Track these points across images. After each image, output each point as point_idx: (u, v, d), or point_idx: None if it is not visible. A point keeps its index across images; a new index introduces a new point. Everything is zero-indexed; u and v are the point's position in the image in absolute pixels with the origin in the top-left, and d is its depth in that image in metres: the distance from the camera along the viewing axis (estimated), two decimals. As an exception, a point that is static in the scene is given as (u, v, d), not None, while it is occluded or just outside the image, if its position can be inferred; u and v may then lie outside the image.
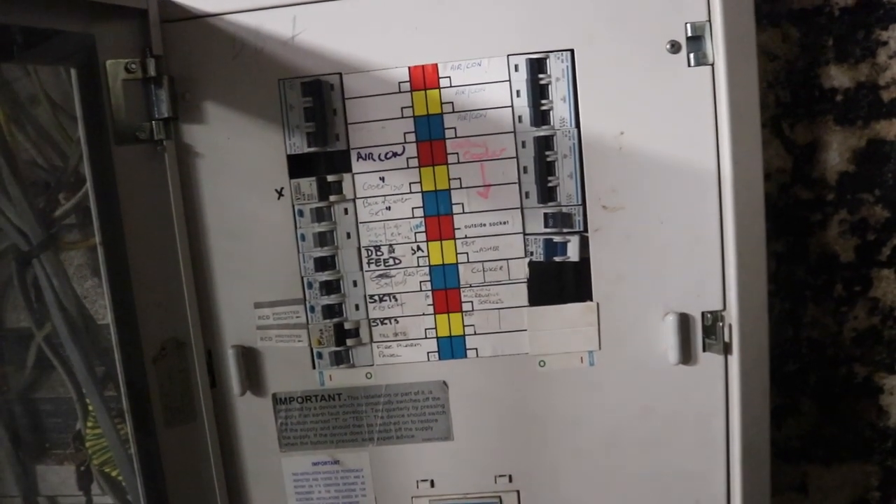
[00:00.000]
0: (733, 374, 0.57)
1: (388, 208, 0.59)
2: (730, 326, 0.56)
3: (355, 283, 0.60)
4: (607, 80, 0.56)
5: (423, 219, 0.58)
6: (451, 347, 0.60)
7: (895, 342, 0.71)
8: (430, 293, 0.59)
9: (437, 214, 0.58)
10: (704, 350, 0.58)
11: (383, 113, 0.57)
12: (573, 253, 0.57)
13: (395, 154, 0.58)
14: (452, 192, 0.58)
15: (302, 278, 0.60)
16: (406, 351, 0.60)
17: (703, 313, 0.57)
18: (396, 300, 0.60)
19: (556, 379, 0.59)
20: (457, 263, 0.59)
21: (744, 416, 0.57)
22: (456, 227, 0.58)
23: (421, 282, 0.59)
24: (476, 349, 0.59)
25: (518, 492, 0.61)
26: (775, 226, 0.69)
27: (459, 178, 0.58)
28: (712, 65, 0.54)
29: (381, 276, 0.59)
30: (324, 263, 0.59)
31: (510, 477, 0.61)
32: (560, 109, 0.56)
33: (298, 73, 0.57)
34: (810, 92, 0.68)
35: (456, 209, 0.58)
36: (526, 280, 0.58)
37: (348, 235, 0.59)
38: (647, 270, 0.57)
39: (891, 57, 0.67)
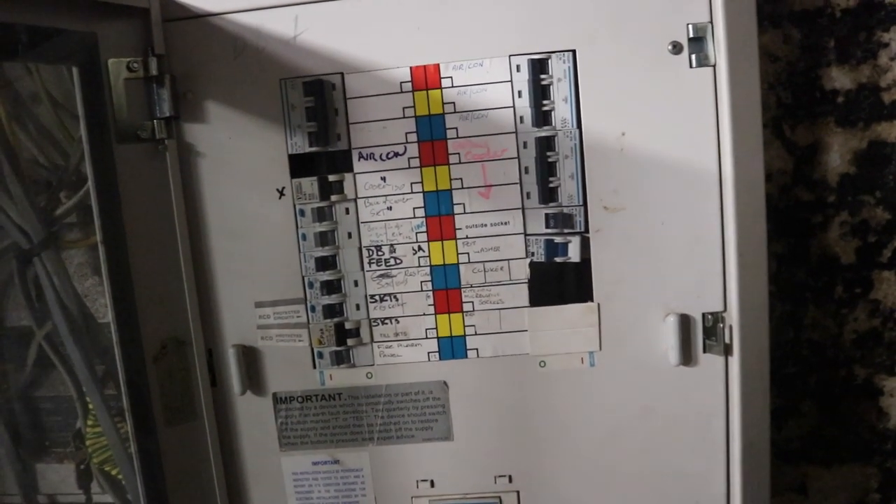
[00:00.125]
0: (734, 375, 0.57)
1: (390, 208, 0.59)
2: (730, 328, 0.56)
3: (356, 283, 0.60)
4: (609, 80, 0.56)
5: (424, 219, 0.58)
6: (452, 347, 0.60)
7: (895, 344, 0.71)
8: (430, 293, 0.59)
9: (439, 214, 0.58)
10: (705, 351, 0.58)
11: (385, 113, 0.57)
12: (574, 253, 0.57)
13: (396, 154, 0.58)
14: (454, 192, 0.58)
15: (303, 278, 0.60)
16: (406, 351, 0.60)
17: (703, 314, 0.57)
18: (397, 300, 0.60)
19: (556, 379, 0.59)
20: (458, 263, 0.59)
21: (744, 417, 0.57)
22: (457, 227, 0.58)
23: (422, 282, 0.59)
24: (476, 349, 0.60)
25: (518, 492, 0.61)
26: (776, 227, 0.69)
27: (461, 179, 0.58)
28: (714, 66, 0.55)
29: (381, 275, 0.59)
30: (325, 263, 0.59)
31: (510, 477, 0.61)
32: (561, 110, 0.56)
33: (300, 72, 0.57)
34: (811, 93, 0.68)
35: (457, 209, 0.58)
36: (527, 280, 0.58)
37: (349, 235, 0.59)
38: (647, 271, 0.57)
39: (892, 59, 0.67)
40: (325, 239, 0.59)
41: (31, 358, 0.77)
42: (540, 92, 0.56)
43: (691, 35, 0.54)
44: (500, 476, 0.61)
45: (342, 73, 0.57)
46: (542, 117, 0.56)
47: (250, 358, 0.61)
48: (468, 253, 0.58)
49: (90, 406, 0.74)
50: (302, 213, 0.59)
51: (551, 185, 0.57)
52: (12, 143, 0.72)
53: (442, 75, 0.57)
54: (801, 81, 0.68)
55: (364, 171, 0.58)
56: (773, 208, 0.68)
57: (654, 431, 0.59)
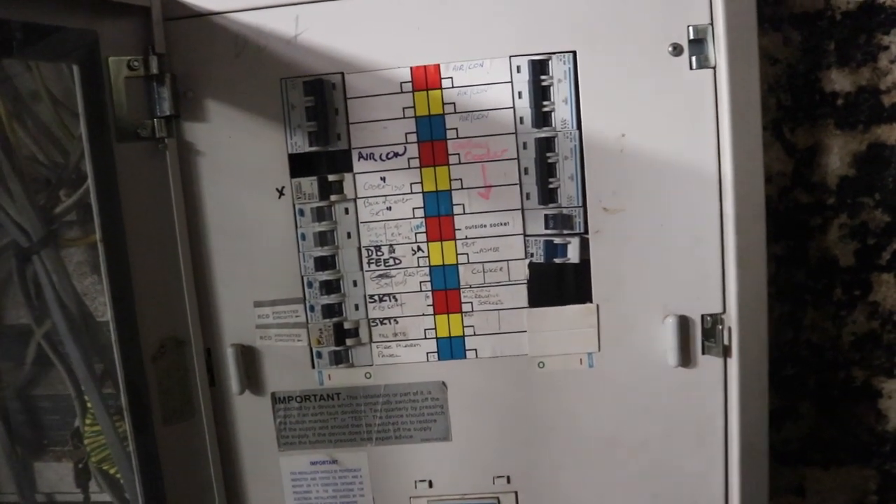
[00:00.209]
0: (732, 376, 0.57)
1: (389, 208, 0.59)
2: (729, 329, 0.56)
3: (355, 283, 0.60)
4: (609, 81, 0.56)
5: (423, 219, 0.58)
6: (451, 348, 0.60)
7: (894, 346, 0.71)
8: (430, 293, 0.59)
9: (438, 215, 0.58)
10: (704, 353, 0.58)
11: (385, 113, 0.57)
12: (573, 254, 0.57)
13: (396, 154, 0.58)
14: (453, 192, 0.58)
15: (302, 277, 0.60)
16: (405, 351, 0.60)
17: (702, 316, 0.57)
18: (396, 300, 0.60)
19: (555, 380, 0.59)
20: (457, 264, 0.59)
21: (742, 418, 0.57)
22: (456, 227, 0.58)
23: (421, 282, 0.59)
24: (475, 350, 0.60)
25: (516, 493, 0.61)
26: (775, 229, 0.69)
27: (460, 179, 0.58)
28: (714, 68, 0.55)
29: (381, 276, 0.59)
30: (324, 263, 0.59)
31: (508, 478, 0.61)
32: (562, 111, 0.56)
33: (300, 72, 0.57)
34: (811, 96, 0.68)
35: (457, 210, 0.58)
36: (526, 281, 0.58)
37: (349, 235, 0.59)
38: (647, 273, 0.57)
39: (892, 61, 0.67)
40: (324, 239, 0.59)
41: (30, 356, 0.77)
42: (540, 93, 0.56)
43: (692, 37, 0.54)
44: (499, 477, 0.61)
45: (342, 73, 0.57)
46: (542, 118, 0.56)
47: (249, 357, 0.61)
48: (467, 253, 0.58)
49: (89, 405, 0.74)
50: (301, 212, 0.59)
51: (551, 186, 0.57)
52: (12, 140, 0.72)
53: (442, 75, 0.57)
54: (801, 84, 0.68)
55: (364, 171, 0.58)
56: (772, 210, 0.68)
57: (652, 433, 0.59)
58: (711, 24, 0.54)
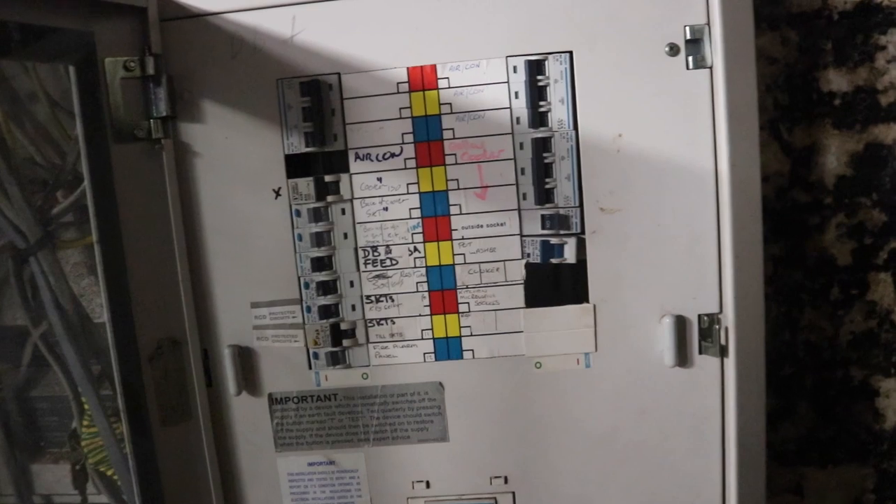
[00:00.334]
0: (729, 376, 0.57)
1: (386, 209, 0.58)
2: (726, 329, 0.56)
3: (352, 284, 0.60)
4: (606, 82, 0.56)
5: (420, 219, 0.58)
6: (448, 348, 0.60)
7: (891, 345, 0.71)
8: (426, 294, 0.59)
9: (435, 215, 0.58)
10: (700, 352, 0.58)
11: (381, 113, 0.57)
12: (570, 255, 0.57)
13: (392, 154, 0.58)
14: (450, 193, 0.58)
15: (299, 278, 0.60)
16: (402, 352, 0.60)
17: (699, 316, 0.57)
18: (393, 301, 0.59)
19: (552, 381, 0.59)
20: (454, 264, 0.59)
21: (739, 418, 0.57)
22: (453, 228, 0.58)
23: (418, 283, 0.59)
24: (472, 350, 0.59)
25: (513, 493, 0.61)
26: (773, 229, 0.69)
27: (457, 179, 0.58)
28: (711, 68, 0.55)
29: (377, 276, 0.59)
30: (320, 264, 0.59)
31: (506, 478, 0.61)
32: (558, 111, 0.56)
33: (297, 72, 0.57)
34: (808, 95, 0.68)
35: (453, 210, 0.58)
36: (523, 281, 0.58)
37: (345, 236, 0.59)
38: (643, 273, 0.57)
39: (889, 61, 0.67)
40: (320, 239, 0.59)
41: (27, 358, 0.77)
42: (536, 93, 0.56)
43: (688, 37, 0.54)
44: (496, 477, 0.61)
45: (339, 74, 0.57)
46: (539, 118, 0.56)
47: (246, 358, 0.61)
48: (464, 254, 0.58)
49: (86, 406, 0.74)
50: (298, 213, 0.59)
51: (547, 187, 0.57)
52: (9, 141, 0.72)
53: (439, 76, 0.57)
54: (799, 83, 0.68)
55: (360, 172, 0.58)
56: (770, 210, 0.68)
57: (649, 433, 0.59)
58: (708, 24, 0.54)
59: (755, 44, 0.54)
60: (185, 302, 0.60)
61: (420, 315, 0.59)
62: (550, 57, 0.56)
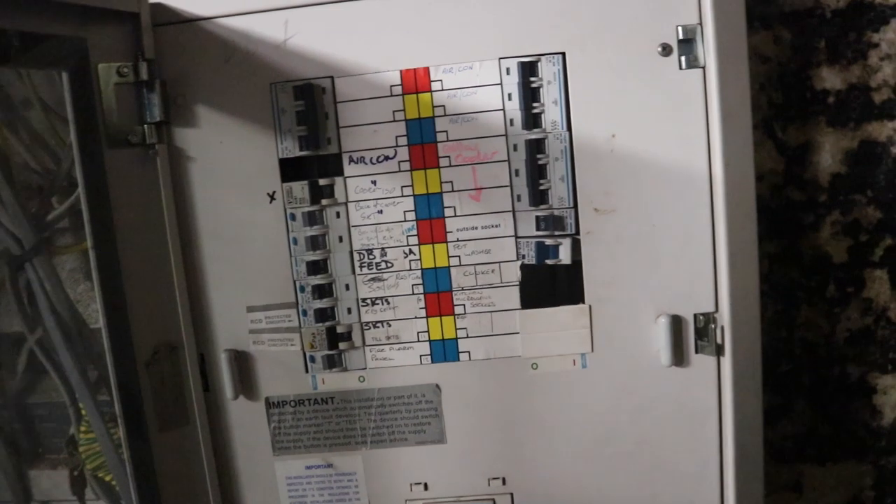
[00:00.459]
0: (726, 375, 0.57)
1: (380, 212, 0.59)
2: (722, 328, 0.56)
3: (347, 287, 0.60)
4: (599, 82, 0.56)
5: (414, 222, 0.58)
6: (444, 350, 0.60)
7: (888, 342, 0.71)
8: (422, 296, 0.59)
9: (429, 218, 0.58)
10: (697, 352, 0.58)
11: (375, 116, 0.57)
12: (565, 256, 0.57)
13: (386, 157, 0.58)
14: (444, 195, 0.58)
15: (294, 282, 0.60)
16: (398, 354, 0.60)
17: (695, 315, 0.57)
18: (389, 303, 0.60)
19: (548, 381, 0.59)
20: (449, 266, 0.59)
21: (736, 417, 0.57)
22: (448, 230, 0.58)
23: (413, 285, 0.59)
24: (468, 352, 0.59)
25: (511, 494, 0.61)
26: (768, 227, 0.70)
27: (451, 182, 0.58)
28: (703, 67, 0.55)
29: (373, 279, 0.59)
30: (316, 267, 0.59)
31: (503, 479, 0.61)
32: (551, 112, 0.56)
33: (290, 76, 0.57)
34: (802, 94, 0.68)
35: (448, 212, 0.58)
36: (518, 283, 0.58)
37: (340, 239, 0.59)
38: (639, 273, 0.57)
39: (882, 59, 0.67)
40: (315, 243, 0.59)
41: (23, 364, 0.77)
42: (530, 94, 0.56)
43: (681, 37, 0.54)
44: (494, 478, 0.61)
45: (332, 77, 0.57)
46: (532, 120, 0.56)
47: (242, 362, 0.61)
48: (459, 256, 0.58)
49: (83, 412, 0.74)
50: (293, 216, 0.59)
51: (542, 188, 0.57)
52: (3, 147, 0.72)
53: (432, 78, 0.57)
54: (792, 82, 0.68)
55: (354, 175, 0.58)
56: (764, 208, 0.68)
57: (646, 432, 0.59)
58: (700, 24, 0.54)
59: (748, 43, 0.54)
60: (181, 307, 0.60)
61: (416, 317, 0.59)
62: (543, 58, 0.56)
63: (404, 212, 0.58)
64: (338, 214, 0.59)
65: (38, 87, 0.72)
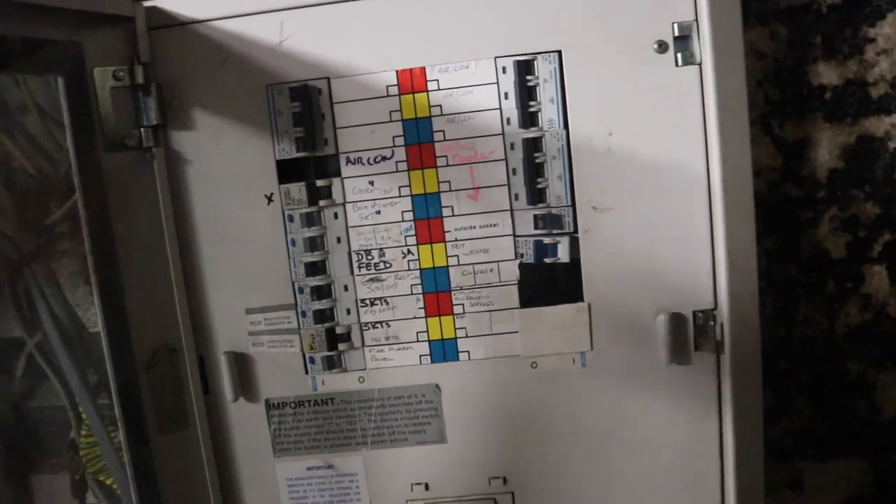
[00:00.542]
0: (725, 372, 0.57)
1: (378, 212, 0.58)
2: (721, 325, 0.56)
3: (346, 288, 0.60)
4: (595, 80, 0.56)
5: (412, 222, 0.58)
6: (443, 350, 0.60)
7: (887, 338, 0.71)
8: (421, 296, 0.59)
9: (427, 217, 0.58)
10: (696, 349, 0.58)
11: (372, 117, 0.57)
12: (563, 254, 0.57)
13: (384, 158, 0.58)
14: (442, 195, 0.58)
15: (293, 283, 0.60)
16: (398, 354, 0.60)
17: (694, 312, 0.57)
18: (388, 304, 0.59)
19: (548, 380, 0.59)
20: (447, 266, 0.59)
21: (736, 414, 0.57)
22: (446, 229, 0.58)
23: (412, 285, 0.59)
24: (468, 352, 0.59)
25: (512, 493, 0.61)
26: (766, 223, 0.70)
27: (449, 181, 0.58)
28: (700, 64, 0.55)
29: (371, 279, 0.59)
30: (314, 268, 0.59)
31: (504, 479, 0.61)
32: (548, 111, 0.56)
33: (286, 78, 0.57)
34: (799, 89, 0.68)
35: (446, 212, 0.58)
36: (517, 282, 0.58)
37: (338, 240, 0.59)
38: (637, 270, 0.57)
39: (878, 54, 0.67)
40: (314, 244, 0.59)
41: (22, 369, 0.77)
42: (526, 93, 0.56)
43: (677, 34, 0.54)
44: (495, 478, 0.61)
45: (328, 78, 0.57)
46: (529, 118, 0.56)
47: (242, 364, 0.61)
48: (457, 255, 0.58)
49: (83, 416, 0.74)
50: (290, 218, 0.59)
51: (539, 187, 0.57)
52: (1, 153, 0.72)
53: (428, 78, 0.57)
54: (789, 78, 0.68)
55: (352, 176, 0.58)
56: (762, 204, 0.68)
57: (646, 430, 0.59)
58: (696, 20, 0.54)
59: (744, 39, 0.54)
60: (180, 309, 0.60)
61: (415, 317, 0.59)
62: (539, 57, 0.56)
63: (402, 212, 0.58)
64: (336, 215, 0.59)
65: (34, 92, 0.72)
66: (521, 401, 0.60)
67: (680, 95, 0.55)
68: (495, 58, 0.56)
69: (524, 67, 0.56)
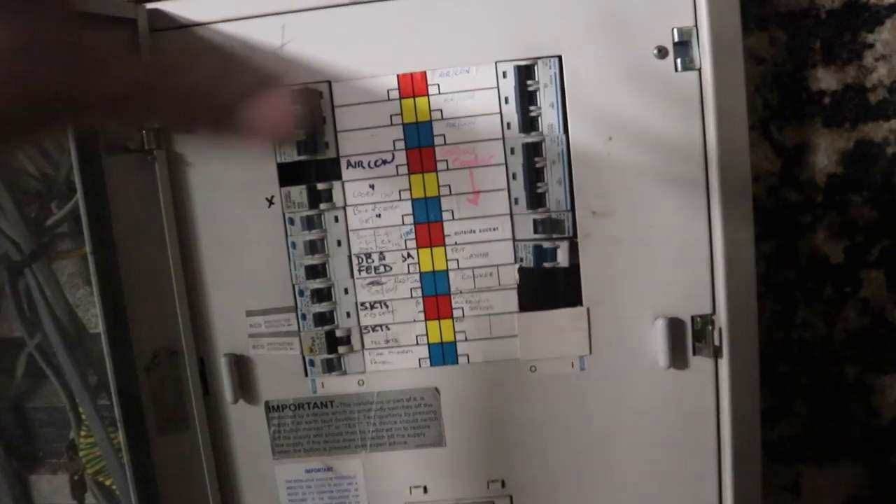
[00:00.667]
0: (723, 377, 0.57)
1: (379, 216, 0.59)
2: (719, 330, 0.57)
3: (346, 291, 0.60)
4: (595, 85, 0.56)
5: (413, 226, 0.58)
6: (443, 354, 0.60)
7: (885, 342, 0.72)
8: (420, 300, 0.59)
9: (427, 221, 0.58)
10: (694, 354, 0.58)
11: (372, 121, 0.58)
12: (563, 258, 0.58)
13: (384, 162, 0.58)
14: (442, 199, 0.58)
15: (293, 286, 0.60)
16: (397, 358, 0.60)
17: (692, 317, 0.57)
18: (387, 307, 0.60)
19: (547, 384, 0.59)
20: (447, 270, 0.59)
21: (734, 419, 0.57)
22: (446, 233, 0.58)
23: (412, 289, 0.59)
24: (467, 355, 0.60)
25: (511, 497, 0.61)
26: (765, 228, 0.70)
27: (449, 186, 0.58)
28: (699, 69, 0.55)
29: (371, 283, 0.60)
30: (315, 271, 0.60)
31: (503, 482, 0.61)
32: (548, 115, 0.56)
33: (287, 81, 0.58)
34: (798, 95, 0.69)
35: (446, 216, 0.58)
36: (516, 286, 0.59)
37: (339, 243, 0.59)
38: (636, 275, 0.57)
39: (877, 59, 0.67)
40: (314, 247, 0.59)
41: (23, 369, 0.77)
42: (526, 98, 0.56)
43: (676, 39, 0.55)
44: (493, 481, 0.61)
45: (329, 82, 0.57)
46: (529, 123, 0.57)
47: (242, 367, 0.61)
48: (457, 259, 0.59)
49: (83, 416, 0.74)
50: (291, 221, 0.59)
51: (539, 191, 0.57)
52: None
53: (429, 82, 0.57)
54: (788, 83, 0.69)
55: (353, 179, 0.58)
56: (761, 209, 0.68)
57: (645, 435, 0.59)
58: (696, 26, 0.54)
59: (744, 44, 0.54)
60: (181, 311, 0.60)
61: (415, 321, 0.60)
62: (539, 62, 0.56)
63: (402, 215, 0.58)
64: (336, 218, 0.59)
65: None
66: (520, 404, 0.60)
67: (679, 101, 0.55)
68: (496, 62, 0.56)
69: (524, 72, 0.56)
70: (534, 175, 0.57)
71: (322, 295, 0.60)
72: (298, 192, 0.59)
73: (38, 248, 0.71)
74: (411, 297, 0.59)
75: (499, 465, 0.61)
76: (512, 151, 0.57)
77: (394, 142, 0.58)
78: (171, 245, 0.59)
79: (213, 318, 0.61)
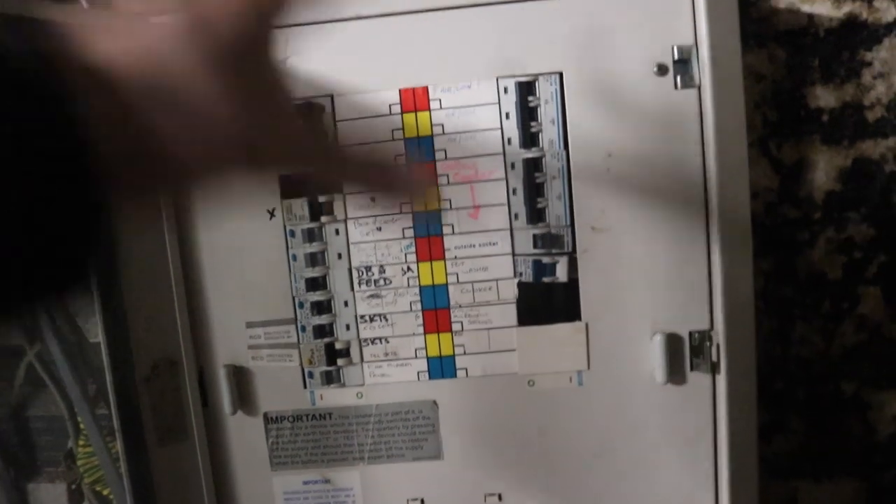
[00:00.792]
0: (721, 393, 0.57)
1: (379, 229, 0.59)
2: (717, 346, 0.57)
3: (346, 304, 0.60)
4: (595, 102, 0.56)
5: (413, 239, 0.59)
6: (441, 367, 0.60)
7: (882, 359, 0.72)
8: (420, 313, 0.60)
9: (427, 235, 0.59)
10: (692, 369, 0.58)
11: (374, 135, 0.58)
12: (562, 274, 0.58)
13: (385, 175, 0.58)
14: (442, 213, 0.58)
15: (293, 298, 0.60)
16: (396, 371, 0.60)
17: (690, 333, 0.58)
18: (387, 320, 0.60)
19: (545, 398, 0.60)
20: (447, 284, 0.59)
21: (731, 434, 0.57)
22: (446, 247, 0.59)
23: (411, 302, 0.59)
24: (466, 369, 0.60)
25: (508, 510, 0.62)
26: (763, 244, 0.70)
27: (449, 200, 0.58)
28: (699, 87, 0.55)
29: (371, 296, 0.60)
30: (315, 284, 0.60)
31: (500, 496, 0.61)
32: (549, 131, 0.57)
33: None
34: (797, 112, 0.69)
35: (446, 230, 0.58)
36: (515, 300, 0.59)
37: (339, 256, 0.60)
38: (635, 290, 0.58)
39: (875, 77, 0.68)
40: (315, 259, 0.60)
41: (22, 377, 0.77)
42: (527, 114, 0.57)
43: (676, 57, 0.55)
44: (490, 494, 0.61)
45: (332, 96, 0.58)
46: (530, 139, 0.57)
47: (241, 378, 0.61)
48: (457, 273, 0.59)
49: (81, 426, 0.74)
50: (292, 233, 0.59)
51: (539, 206, 0.57)
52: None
53: (430, 97, 0.57)
54: (787, 100, 0.69)
55: (354, 192, 0.59)
56: (759, 225, 0.69)
57: (642, 450, 0.59)
58: (696, 44, 0.55)
59: (743, 61, 0.55)
60: (181, 322, 0.60)
61: (414, 334, 0.60)
62: (541, 78, 0.56)
63: (403, 229, 0.59)
64: (337, 231, 0.59)
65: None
66: (518, 418, 0.60)
67: (679, 118, 0.56)
68: (497, 78, 0.57)
69: (526, 88, 0.57)
70: (534, 190, 0.57)
71: (322, 307, 0.60)
72: (300, 205, 0.59)
73: (39, 257, 0.71)
74: (411, 310, 0.60)
75: (496, 479, 0.61)
76: (512, 167, 0.57)
77: (395, 156, 0.58)
78: (172, 255, 0.59)
79: (213, 329, 0.61)
